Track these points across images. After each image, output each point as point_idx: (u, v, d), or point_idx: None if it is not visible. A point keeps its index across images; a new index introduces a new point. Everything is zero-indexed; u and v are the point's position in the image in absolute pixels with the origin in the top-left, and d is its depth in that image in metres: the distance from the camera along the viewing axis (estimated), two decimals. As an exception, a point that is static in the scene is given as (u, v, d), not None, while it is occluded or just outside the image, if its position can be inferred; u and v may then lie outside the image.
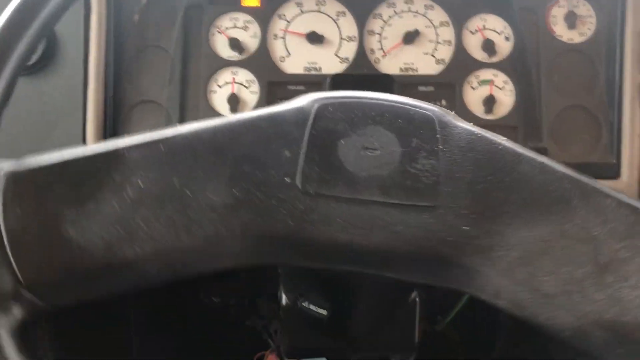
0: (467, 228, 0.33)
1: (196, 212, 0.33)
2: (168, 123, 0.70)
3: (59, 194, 0.34)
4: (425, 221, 0.33)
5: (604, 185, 0.66)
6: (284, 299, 0.59)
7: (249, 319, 1.07)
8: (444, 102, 0.69)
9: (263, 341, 0.98)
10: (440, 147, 0.35)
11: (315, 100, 0.36)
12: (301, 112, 0.36)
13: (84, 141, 0.68)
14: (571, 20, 0.70)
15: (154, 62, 0.72)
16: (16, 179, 0.34)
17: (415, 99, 0.37)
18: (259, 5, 0.72)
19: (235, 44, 0.71)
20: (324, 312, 0.55)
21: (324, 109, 0.36)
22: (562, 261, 0.32)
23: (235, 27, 0.72)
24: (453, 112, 0.38)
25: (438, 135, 0.35)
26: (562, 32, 0.70)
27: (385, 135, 0.35)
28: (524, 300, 0.32)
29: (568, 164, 0.67)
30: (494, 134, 0.36)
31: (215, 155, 0.34)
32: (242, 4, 0.72)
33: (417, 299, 0.60)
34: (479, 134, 0.36)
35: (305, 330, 0.59)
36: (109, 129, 0.69)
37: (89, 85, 0.69)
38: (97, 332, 0.91)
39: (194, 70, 0.72)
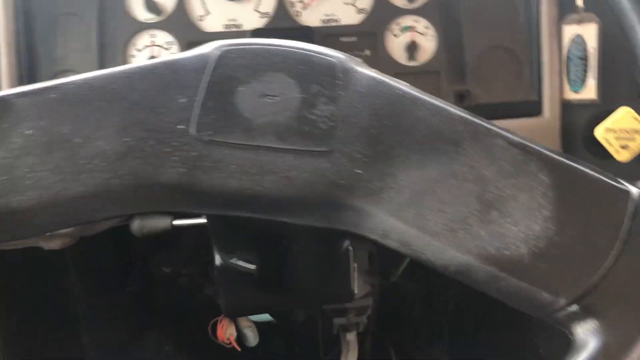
0: (360, 171, 0.33)
1: (86, 160, 0.32)
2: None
3: None
4: (319, 166, 0.33)
5: (527, 122, 0.68)
6: (216, 259, 0.59)
7: (203, 287, 1.07)
8: (367, 52, 0.69)
9: (218, 307, 0.99)
10: (340, 92, 0.34)
11: (218, 47, 0.36)
12: (201, 59, 0.35)
13: None
14: (488, -40, 0.70)
15: (69, 30, 0.69)
16: None
17: (323, 47, 0.37)
18: (173, -37, 0.70)
19: (151, 6, 0.69)
20: (253, 267, 0.55)
21: (226, 55, 0.35)
22: (448, 200, 0.32)
23: (150, -13, 0.70)
24: (361, 60, 0.37)
25: (338, 81, 0.35)
26: (480, -28, 0.70)
27: (286, 81, 0.35)
28: (411, 239, 0.33)
29: (491, 105, 0.69)
30: (397, 80, 0.36)
31: (107, 102, 0.33)
32: (155, -37, 0.70)
33: (351, 248, 0.61)
34: (380, 79, 0.35)
35: (240, 288, 0.59)
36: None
37: (0, 58, 0.66)
38: (46, 309, 0.90)
39: (111, 35, 0.69)
